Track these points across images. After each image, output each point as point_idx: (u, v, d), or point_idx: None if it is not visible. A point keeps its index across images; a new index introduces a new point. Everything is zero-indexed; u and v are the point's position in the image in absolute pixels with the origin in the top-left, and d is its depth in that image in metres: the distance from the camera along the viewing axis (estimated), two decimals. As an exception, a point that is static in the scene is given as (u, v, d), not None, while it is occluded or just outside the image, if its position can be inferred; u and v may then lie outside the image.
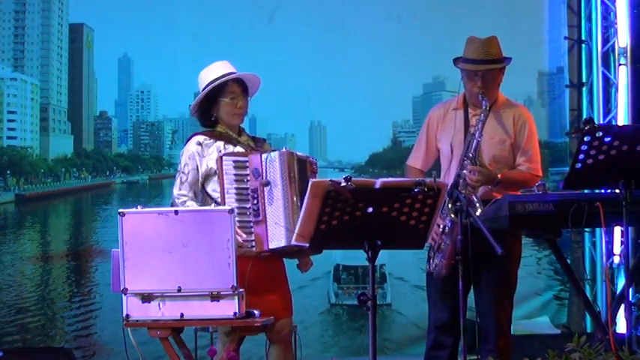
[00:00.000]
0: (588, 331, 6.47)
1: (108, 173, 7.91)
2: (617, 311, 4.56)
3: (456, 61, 4.42)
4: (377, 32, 7.35)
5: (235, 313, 3.56)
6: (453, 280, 4.27)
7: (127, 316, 3.61)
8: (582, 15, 7.06)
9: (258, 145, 4.27)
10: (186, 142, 4.24)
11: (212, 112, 4.20)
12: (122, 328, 3.64)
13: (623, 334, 4.04)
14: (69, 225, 7.88)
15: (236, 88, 4.17)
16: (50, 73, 7.70)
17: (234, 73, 4.20)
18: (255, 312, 3.68)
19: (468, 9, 7.30)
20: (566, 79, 7.28)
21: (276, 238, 3.95)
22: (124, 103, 8.05)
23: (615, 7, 6.85)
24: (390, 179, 4.18)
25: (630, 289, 4.74)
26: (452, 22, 7.15)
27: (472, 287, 4.32)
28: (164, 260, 3.56)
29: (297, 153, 4.09)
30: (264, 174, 4.00)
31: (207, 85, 4.17)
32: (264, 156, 4.02)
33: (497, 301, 4.33)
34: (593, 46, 6.93)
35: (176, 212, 3.59)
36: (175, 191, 4.13)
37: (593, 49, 6.94)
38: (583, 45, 7.04)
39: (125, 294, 3.60)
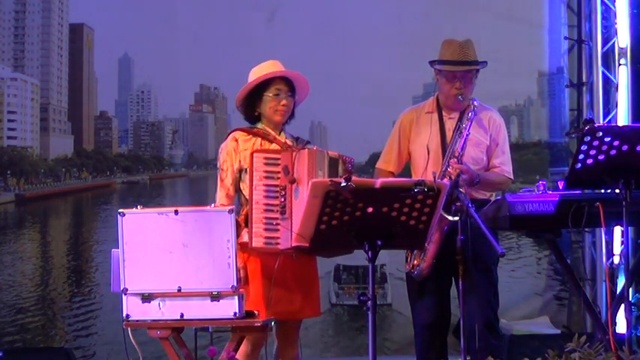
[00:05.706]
0: (588, 331, 6.47)
1: (108, 173, 7.90)
2: (617, 311, 4.56)
3: (432, 63, 4.48)
4: (377, 32, 7.34)
5: (235, 313, 3.57)
6: (434, 279, 4.30)
7: (127, 316, 3.61)
8: (582, 15, 7.06)
9: (299, 144, 4.24)
10: (225, 138, 4.24)
11: (256, 107, 4.22)
12: (122, 328, 3.64)
13: (623, 334, 4.05)
14: (69, 225, 7.86)
15: (282, 85, 4.18)
16: (50, 73, 7.69)
17: (284, 72, 4.20)
18: (256, 312, 3.69)
19: (467, 9, 7.30)
20: (566, 79, 7.29)
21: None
22: (124, 103, 8.03)
23: (615, 7, 6.86)
24: (390, 179, 4.18)
25: (630, 289, 4.74)
26: (452, 22, 7.15)
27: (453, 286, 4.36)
28: (164, 260, 3.56)
29: (329, 152, 4.08)
30: (292, 172, 3.98)
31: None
32: (294, 154, 4.01)
33: (487, 300, 4.36)
34: (593, 46, 6.94)
35: (176, 212, 3.59)
36: (218, 197, 4.14)
37: (593, 49, 6.94)
38: (583, 45, 7.05)
39: (125, 294, 3.60)
